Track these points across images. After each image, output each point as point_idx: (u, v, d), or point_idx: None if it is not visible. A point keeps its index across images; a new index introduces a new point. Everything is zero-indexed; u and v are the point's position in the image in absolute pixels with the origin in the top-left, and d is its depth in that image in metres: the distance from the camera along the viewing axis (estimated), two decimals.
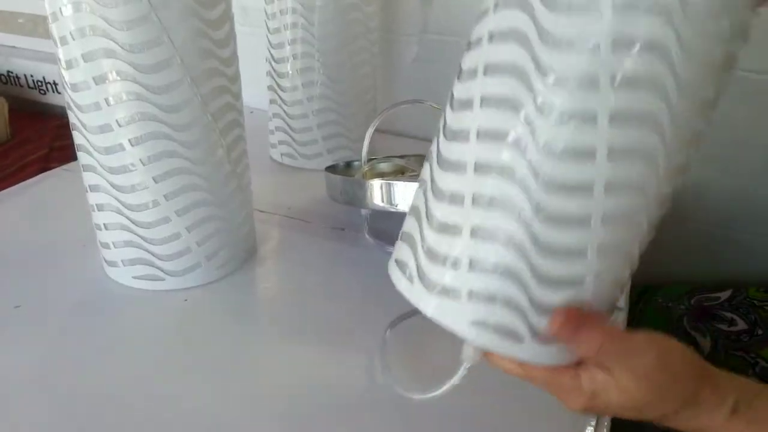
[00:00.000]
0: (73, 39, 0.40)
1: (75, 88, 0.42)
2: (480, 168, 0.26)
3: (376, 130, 0.70)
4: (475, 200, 0.26)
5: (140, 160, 0.43)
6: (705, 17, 0.23)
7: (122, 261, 0.47)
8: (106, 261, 0.49)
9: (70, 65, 0.41)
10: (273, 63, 0.66)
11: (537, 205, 0.25)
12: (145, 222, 0.45)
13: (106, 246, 0.48)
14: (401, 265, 0.30)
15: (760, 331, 0.66)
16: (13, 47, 1.07)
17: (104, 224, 0.47)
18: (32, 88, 1.06)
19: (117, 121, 0.42)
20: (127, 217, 0.45)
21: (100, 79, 0.41)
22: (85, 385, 0.39)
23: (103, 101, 0.41)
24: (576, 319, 0.27)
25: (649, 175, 0.25)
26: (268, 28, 0.66)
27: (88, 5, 0.38)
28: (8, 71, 1.06)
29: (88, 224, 0.49)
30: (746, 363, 0.66)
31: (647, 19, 0.22)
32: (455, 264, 0.27)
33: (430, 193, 0.28)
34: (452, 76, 0.33)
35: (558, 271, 0.26)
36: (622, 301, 0.50)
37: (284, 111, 0.67)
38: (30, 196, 0.62)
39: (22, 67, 1.04)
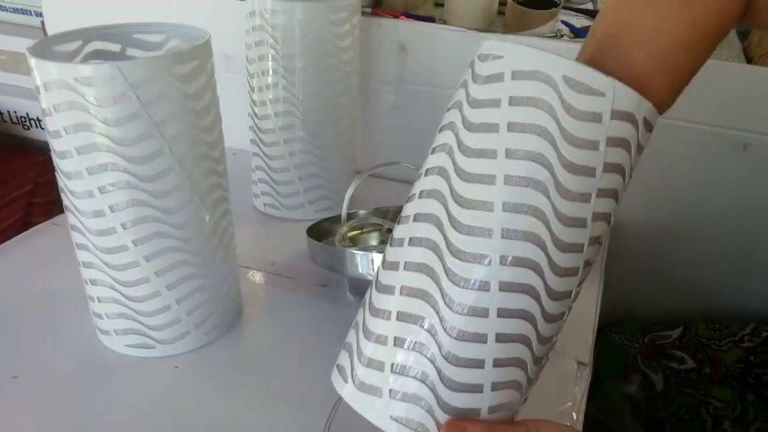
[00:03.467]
0: (67, 133, 0.42)
1: (69, 176, 0.44)
2: (401, 316, 0.32)
3: (358, 174, 0.73)
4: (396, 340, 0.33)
5: (132, 241, 0.45)
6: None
7: (115, 330, 0.50)
8: (99, 329, 0.51)
9: (63, 156, 0.43)
10: (256, 119, 0.69)
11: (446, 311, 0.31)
12: (136, 296, 0.48)
13: (99, 316, 0.50)
14: (340, 369, 0.36)
15: (708, 370, 0.71)
16: None
17: (97, 297, 0.49)
18: (15, 123, 1.07)
19: (110, 207, 0.44)
20: (120, 292, 0.48)
21: (92, 170, 0.43)
22: None
23: (96, 189, 0.44)
24: (456, 429, 0.31)
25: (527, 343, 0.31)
26: (250, 86, 0.68)
27: (81, 105, 0.41)
28: None
29: (77, 283, 0.51)
30: (697, 401, 0.70)
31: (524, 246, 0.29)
32: (380, 367, 0.33)
33: (368, 313, 0.34)
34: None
35: (461, 379, 0.31)
36: (587, 357, 0.53)
37: (267, 164, 0.70)
38: (20, 253, 0.64)
39: (5, 103, 1.06)
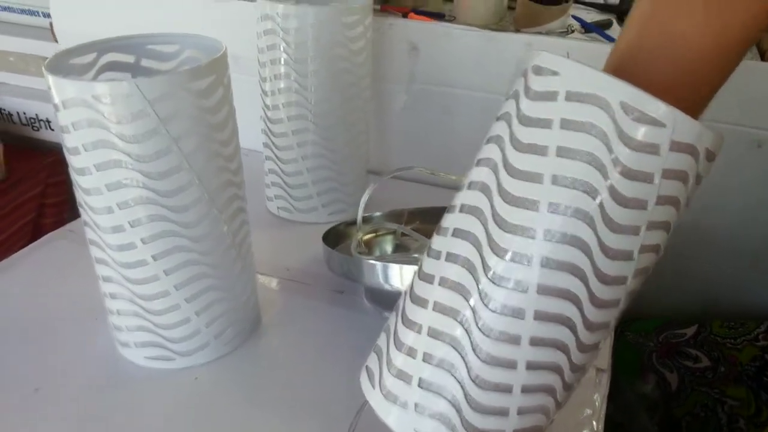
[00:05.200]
0: (86, 150, 0.42)
1: (88, 192, 0.44)
2: (432, 332, 0.32)
3: (371, 173, 0.73)
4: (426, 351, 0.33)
5: (152, 256, 0.45)
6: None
7: (135, 343, 0.50)
8: (118, 341, 0.52)
9: (82, 173, 0.43)
10: (268, 123, 0.69)
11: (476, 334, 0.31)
12: (156, 309, 0.48)
13: (118, 329, 0.50)
14: (369, 373, 0.36)
15: (722, 368, 0.71)
16: (4, 83, 1.08)
17: (117, 310, 0.49)
18: (25, 125, 1.07)
19: (129, 222, 0.44)
20: (139, 306, 0.48)
21: (111, 187, 0.43)
22: None
23: (115, 205, 0.44)
24: None
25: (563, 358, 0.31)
26: (263, 90, 0.68)
27: (100, 122, 0.41)
28: (0, 108, 1.07)
29: (96, 293, 0.51)
30: (713, 399, 0.70)
31: (568, 251, 0.28)
32: (407, 380, 0.33)
33: (400, 322, 0.34)
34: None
35: (487, 402, 0.31)
36: (606, 363, 0.53)
37: (280, 168, 0.70)
38: (36, 262, 0.64)
39: (14, 104, 1.05)
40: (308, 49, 0.63)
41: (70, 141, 0.43)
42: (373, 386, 0.35)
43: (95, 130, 0.41)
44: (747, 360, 0.71)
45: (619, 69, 0.31)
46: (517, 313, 0.29)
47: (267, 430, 0.46)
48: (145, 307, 0.48)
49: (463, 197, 0.32)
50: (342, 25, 0.63)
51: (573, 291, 0.29)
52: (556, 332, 0.30)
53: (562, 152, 0.28)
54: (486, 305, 0.30)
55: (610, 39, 0.87)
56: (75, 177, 0.44)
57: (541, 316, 0.29)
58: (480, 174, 0.31)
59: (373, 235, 0.67)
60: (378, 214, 0.67)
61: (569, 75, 0.28)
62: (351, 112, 0.68)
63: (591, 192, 0.27)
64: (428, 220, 0.68)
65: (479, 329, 0.30)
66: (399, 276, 0.49)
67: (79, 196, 0.45)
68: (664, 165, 0.27)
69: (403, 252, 0.64)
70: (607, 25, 0.93)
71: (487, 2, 0.92)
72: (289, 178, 0.70)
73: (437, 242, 0.33)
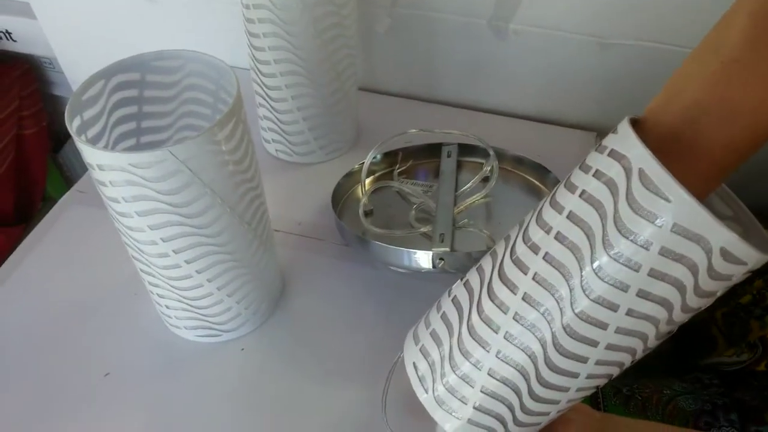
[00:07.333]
0: (126, 201, 0.46)
1: (131, 228, 0.48)
2: (519, 315, 0.35)
3: (360, 90, 0.77)
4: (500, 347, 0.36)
5: (196, 271, 0.51)
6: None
7: (185, 326, 0.58)
8: (169, 323, 0.59)
9: (124, 215, 0.47)
10: (261, 77, 0.69)
11: (546, 355, 0.34)
12: (203, 305, 0.55)
13: (168, 316, 0.58)
14: (422, 379, 0.40)
15: None
16: None
17: (166, 305, 0.56)
18: None
19: (173, 250, 0.49)
20: (187, 303, 0.55)
21: (154, 227, 0.47)
22: None
23: (159, 239, 0.48)
24: None
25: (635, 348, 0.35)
26: (254, 58, 0.67)
27: (137, 182, 0.44)
28: None
29: (124, 263, 0.57)
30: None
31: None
32: (463, 400, 0.38)
33: (467, 334, 0.37)
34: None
35: (540, 409, 0.37)
36: None
37: (276, 118, 0.72)
38: (57, 236, 0.69)
39: None
40: None
41: (108, 192, 0.46)
42: (426, 391, 0.40)
43: (134, 187, 0.45)
44: None
45: (680, 130, 0.31)
46: (612, 305, 0.32)
47: (310, 384, 0.56)
48: (193, 305, 0.55)
49: (587, 184, 0.32)
50: None
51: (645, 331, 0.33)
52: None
53: (654, 273, 0.30)
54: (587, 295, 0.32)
55: None
56: (117, 216, 0.48)
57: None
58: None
59: (373, 179, 0.72)
60: (374, 158, 0.71)
61: (680, 207, 0.28)
62: (340, 60, 0.68)
63: (667, 307, 0.31)
64: (420, 157, 0.73)
65: (555, 350, 0.33)
66: (414, 259, 0.56)
67: (121, 226, 0.49)
68: (730, 284, 0.31)
69: (403, 200, 0.69)
70: None
71: None
72: (286, 126, 0.72)
73: (549, 216, 0.34)
